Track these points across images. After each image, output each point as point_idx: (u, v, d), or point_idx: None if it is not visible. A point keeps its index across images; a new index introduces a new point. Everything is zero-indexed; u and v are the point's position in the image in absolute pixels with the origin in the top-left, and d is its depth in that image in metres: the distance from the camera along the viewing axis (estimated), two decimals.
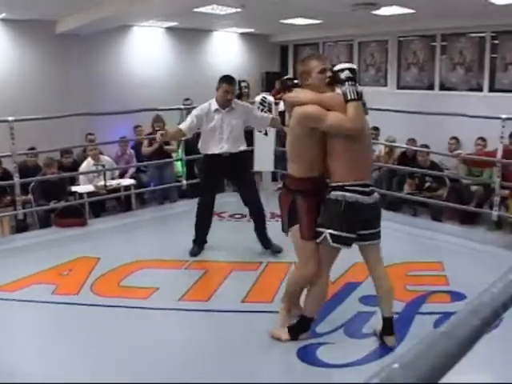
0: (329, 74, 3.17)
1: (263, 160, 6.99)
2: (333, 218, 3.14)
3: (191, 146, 7.56)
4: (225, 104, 4.78)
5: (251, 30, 11.08)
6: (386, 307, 3.35)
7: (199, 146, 4.96)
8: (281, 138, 7.48)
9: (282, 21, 9.57)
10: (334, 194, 3.13)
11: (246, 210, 6.28)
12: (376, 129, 8.30)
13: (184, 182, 6.93)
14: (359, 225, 3.18)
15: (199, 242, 5.02)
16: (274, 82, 8.97)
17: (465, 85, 9.23)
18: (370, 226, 3.23)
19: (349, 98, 3.03)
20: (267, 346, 3.42)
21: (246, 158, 5.15)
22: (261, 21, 9.78)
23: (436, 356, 0.64)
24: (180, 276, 4.53)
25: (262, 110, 6.94)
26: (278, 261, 4.74)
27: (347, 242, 3.19)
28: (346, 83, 3.05)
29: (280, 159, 7.62)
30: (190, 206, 6.80)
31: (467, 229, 6.35)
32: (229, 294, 4.10)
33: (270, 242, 4.96)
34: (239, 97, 8.04)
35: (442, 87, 9.35)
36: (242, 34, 11.34)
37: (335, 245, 3.15)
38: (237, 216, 6.18)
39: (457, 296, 3.98)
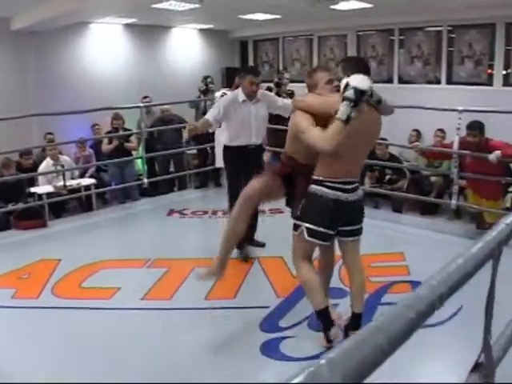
0: (336, 83, 3.14)
1: None
2: (312, 212, 3.15)
3: (151, 143, 7.51)
4: (251, 95, 4.65)
5: (210, 26, 11.02)
6: (358, 303, 3.35)
7: (224, 138, 4.89)
8: None
9: (240, 16, 9.54)
10: (314, 187, 3.13)
11: (207, 207, 6.31)
12: None
13: (145, 180, 6.86)
14: (340, 221, 3.18)
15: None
16: (234, 77, 8.92)
17: (423, 78, 9.37)
18: (351, 222, 3.23)
19: (337, 115, 2.87)
20: (231, 342, 3.42)
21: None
22: (220, 16, 9.74)
23: (366, 351, 0.64)
24: (142, 275, 4.48)
25: None
26: (238, 256, 4.71)
27: (324, 238, 3.19)
28: (344, 102, 2.86)
29: None
30: (151, 205, 6.78)
31: (428, 219, 6.45)
32: (192, 292, 4.08)
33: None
34: (205, 92, 7.97)
35: (401, 80, 9.47)
36: (202, 30, 11.27)
37: (310, 239, 3.17)
38: (199, 213, 6.15)
39: (418, 285, 4.02)
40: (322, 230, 3.13)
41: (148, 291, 4.11)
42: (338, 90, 3.06)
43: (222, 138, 7.00)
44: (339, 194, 3.09)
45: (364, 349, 0.64)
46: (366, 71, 3.06)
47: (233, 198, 4.71)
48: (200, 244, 5.15)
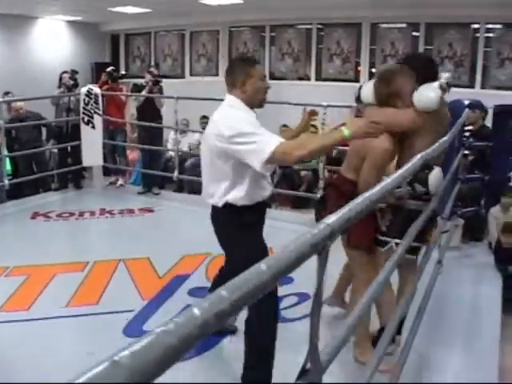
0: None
1: (92, 154, 6.73)
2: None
3: (9, 143, 7.00)
4: (261, 104, 2.72)
5: (79, 18, 10.58)
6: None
7: (238, 194, 2.63)
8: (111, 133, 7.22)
9: (110, 9, 9.25)
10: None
11: (74, 208, 6.03)
12: (206, 117, 8.36)
13: (6, 181, 6.38)
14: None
15: None
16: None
17: (293, 74, 9.60)
18: None
19: None
20: (92, 350, 3.26)
21: None
22: (88, 8, 9.35)
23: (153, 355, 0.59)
24: None
25: (89, 103, 6.70)
26: (105, 259, 4.53)
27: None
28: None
29: (109, 152, 7.38)
30: (14, 208, 6.36)
31: (297, 213, 6.59)
32: (51, 300, 3.86)
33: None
34: (72, 88, 7.50)
35: (272, 76, 9.60)
36: (70, 22, 10.78)
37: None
38: (65, 215, 5.86)
39: (286, 280, 4.09)
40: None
41: (4, 303, 3.81)
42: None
43: (97, 137, 6.70)
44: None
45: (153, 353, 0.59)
46: None
47: None
48: (64, 248, 4.90)
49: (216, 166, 2.60)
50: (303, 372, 1.29)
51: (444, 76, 2.90)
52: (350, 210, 1.44)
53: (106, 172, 7.63)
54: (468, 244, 5.38)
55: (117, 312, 3.66)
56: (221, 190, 2.61)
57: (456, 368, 3.10)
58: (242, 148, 2.44)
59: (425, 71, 2.85)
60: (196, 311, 0.69)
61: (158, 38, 11.02)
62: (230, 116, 2.56)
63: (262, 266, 0.93)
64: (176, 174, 6.69)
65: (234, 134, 2.44)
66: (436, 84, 2.78)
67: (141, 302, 3.79)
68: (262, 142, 2.40)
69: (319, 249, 1.22)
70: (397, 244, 2.83)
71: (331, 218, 1.31)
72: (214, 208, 2.71)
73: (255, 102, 2.64)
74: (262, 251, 2.71)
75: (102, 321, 3.57)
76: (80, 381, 0.53)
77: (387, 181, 1.84)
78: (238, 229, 2.68)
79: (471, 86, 8.11)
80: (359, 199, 1.55)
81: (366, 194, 1.61)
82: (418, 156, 2.28)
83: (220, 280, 3.06)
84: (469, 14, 7.72)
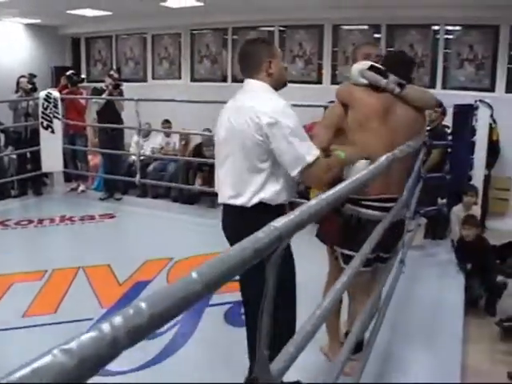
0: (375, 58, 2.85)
1: (51, 160, 6.58)
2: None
3: None
4: (285, 84, 2.55)
5: (38, 21, 10.36)
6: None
7: (266, 192, 2.34)
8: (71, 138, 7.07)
9: (70, 11, 9.07)
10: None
11: (33, 215, 5.89)
12: (168, 121, 8.27)
13: None
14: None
15: None
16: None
17: None
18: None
19: None
20: None
21: None
22: (47, 11, 9.14)
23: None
24: None
25: (47, 107, 6.56)
26: (64, 267, 4.42)
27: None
28: None
29: (70, 158, 7.23)
30: None
31: None
32: (7, 310, 3.74)
33: None
34: (31, 92, 7.34)
35: (235, 79, 9.51)
36: (29, 25, 10.53)
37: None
38: (23, 223, 5.71)
39: None
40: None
41: None
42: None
43: (56, 142, 6.55)
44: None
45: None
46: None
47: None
48: (22, 256, 4.76)
49: (249, 160, 2.33)
50: (252, 380, 1.23)
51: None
52: (301, 213, 1.35)
53: (68, 178, 7.49)
54: (431, 243, 5.42)
55: (75, 321, 3.56)
56: (252, 188, 2.32)
57: (418, 368, 3.09)
58: (284, 146, 2.27)
59: (399, 67, 2.85)
60: (105, 327, 0.61)
61: (120, 41, 10.84)
62: (272, 105, 2.32)
63: (193, 273, 0.81)
64: (138, 178, 6.58)
65: (281, 128, 2.25)
66: (369, 62, 2.79)
67: (100, 310, 3.70)
68: (305, 146, 2.30)
69: (266, 254, 1.14)
70: (343, 255, 2.74)
71: (280, 221, 1.22)
72: (237, 210, 2.38)
73: (280, 83, 2.47)
74: (293, 265, 2.48)
75: (60, 330, 3.46)
76: None
77: (344, 183, 1.77)
78: None
79: (432, 86, 8.17)
80: (313, 201, 1.48)
81: (323, 196, 1.55)
82: (384, 157, 2.23)
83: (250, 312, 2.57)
84: (429, 15, 7.80)
